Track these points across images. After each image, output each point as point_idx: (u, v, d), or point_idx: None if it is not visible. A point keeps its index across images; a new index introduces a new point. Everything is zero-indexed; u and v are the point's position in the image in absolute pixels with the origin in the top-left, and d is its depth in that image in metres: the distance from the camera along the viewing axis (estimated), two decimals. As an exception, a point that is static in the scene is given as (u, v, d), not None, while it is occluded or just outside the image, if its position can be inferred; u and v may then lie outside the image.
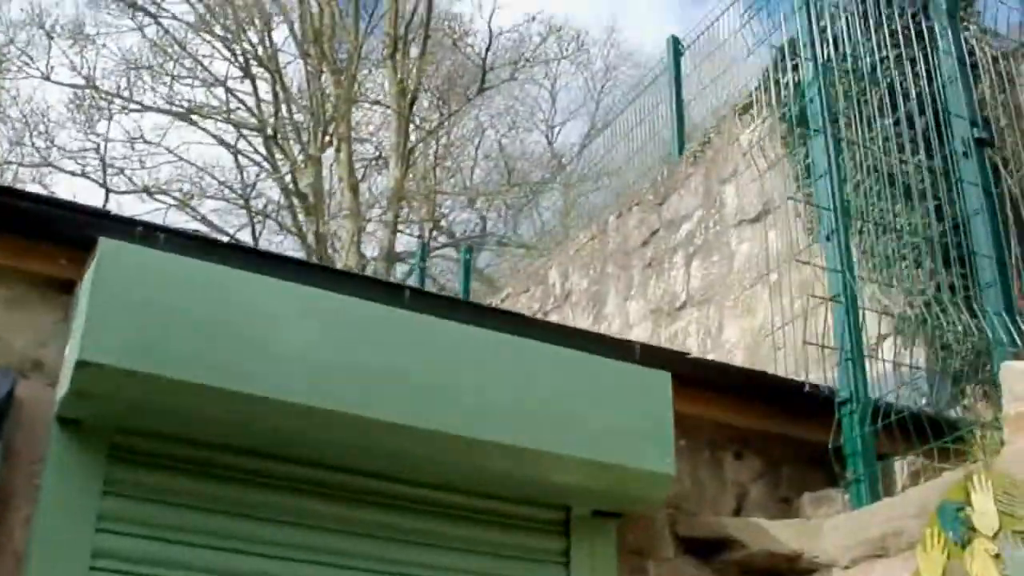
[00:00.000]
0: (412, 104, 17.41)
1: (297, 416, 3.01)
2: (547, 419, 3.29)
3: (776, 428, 4.10)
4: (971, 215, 4.63)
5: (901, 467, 3.96)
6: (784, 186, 5.88)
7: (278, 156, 17.86)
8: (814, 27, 4.82)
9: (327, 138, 17.13)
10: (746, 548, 3.70)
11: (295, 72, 18.31)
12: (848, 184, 4.56)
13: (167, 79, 17.79)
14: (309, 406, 3.00)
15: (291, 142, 17.81)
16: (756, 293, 5.89)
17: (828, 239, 4.30)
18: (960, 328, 4.83)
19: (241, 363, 2.95)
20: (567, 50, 19.90)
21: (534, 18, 19.73)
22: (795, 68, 5.97)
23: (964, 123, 4.80)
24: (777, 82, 6.16)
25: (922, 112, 5.04)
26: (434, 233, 18.23)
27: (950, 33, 5.11)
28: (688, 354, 4.09)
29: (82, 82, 17.84)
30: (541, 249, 13.70)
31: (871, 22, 5.26)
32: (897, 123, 5.07)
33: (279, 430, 3.07)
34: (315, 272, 3.70)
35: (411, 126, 17.52)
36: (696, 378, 3.82)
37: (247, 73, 18.14)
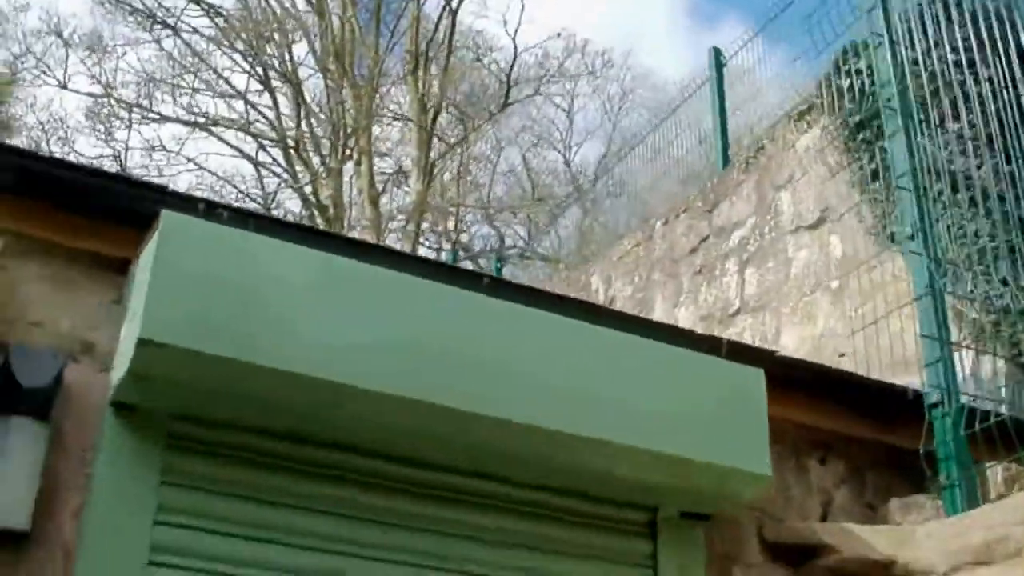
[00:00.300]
0: (435, 118, 17.37)
1: (370, 403, 2.81)
2: (638, 414, 3.14)
3: (860, 432, 3.95)
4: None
5: (994, 473, 3.81)
6: (847, 191, 5.76)
7: (298, 168, 17.79)
8: (894, 26, 4.69)
9: (348, 151, 17.06)
10: (838, 553, 3.55)
11: (315, 86, 18.29)
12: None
13: (187, 91, 17.76)
14: (384, 393, 2.81)
15: (311, 154, 17.76)
16: (816, 300, 5.76)
17: (912, 238, 4.17)
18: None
19: (312, 347, 2.74)
20: (592, 65, 19.85)
21: (559, 34, 19.61)
22: (857, 72, 5.87)
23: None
24: (839, 87, 6.05)
25: (998, 115, 4.91)
26: (456, 246, 18.12)
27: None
28: (776, 352, 3.93)
29: (100, 91, 17.83)
30: (567, 261, 13.60)
31: (943, 24, 5.16)
32: (972, 125, 4.94)
33: (354, 418, 2.88)
34: (390, 255, 3.53)
35: (433, 140, 17.46)
36: (783, 377, 3.67)
37: (267, 86, 18.11)
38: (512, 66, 18.47)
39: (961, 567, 3.38)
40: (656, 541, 3.30)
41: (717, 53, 8.46)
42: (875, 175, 5.53)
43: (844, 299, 5.47)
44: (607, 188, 12.72)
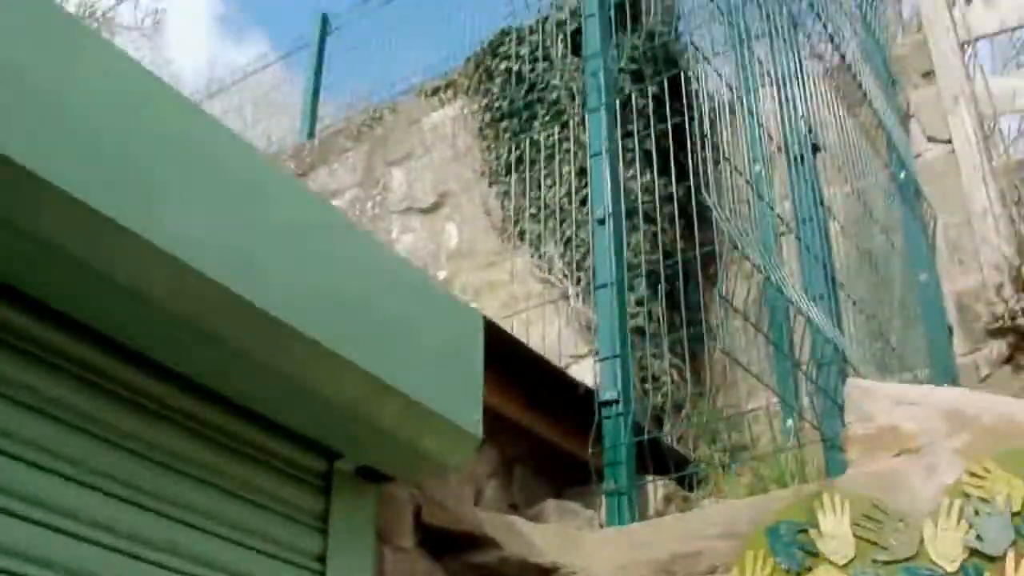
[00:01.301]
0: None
1: None
2: (342, 313, 2.25)
3: (523, 420, 3.40)
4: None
5: (655, 488, 3.44)
6: (474, 179, 5.30)
7: None
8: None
9: None
10: (500, 550, 2.91)
11: None
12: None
13: None
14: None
15: None
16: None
17: (602, 223, 3.75)
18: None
19: None
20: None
21: None
22: (518, 57, 5.50)
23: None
24: (489, 69, 5.64)
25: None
26: None
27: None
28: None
29: None
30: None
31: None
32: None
33: None
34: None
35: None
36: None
37: None
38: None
39: (639, 583, 2.92)
40: (330, 497, 2.43)
41: (324, 19, 7.84)
42: (511, 167, 5.15)
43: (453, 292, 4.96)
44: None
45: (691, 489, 3.58)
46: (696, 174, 3.29)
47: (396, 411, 2.31)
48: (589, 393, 3.45)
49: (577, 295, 4.60)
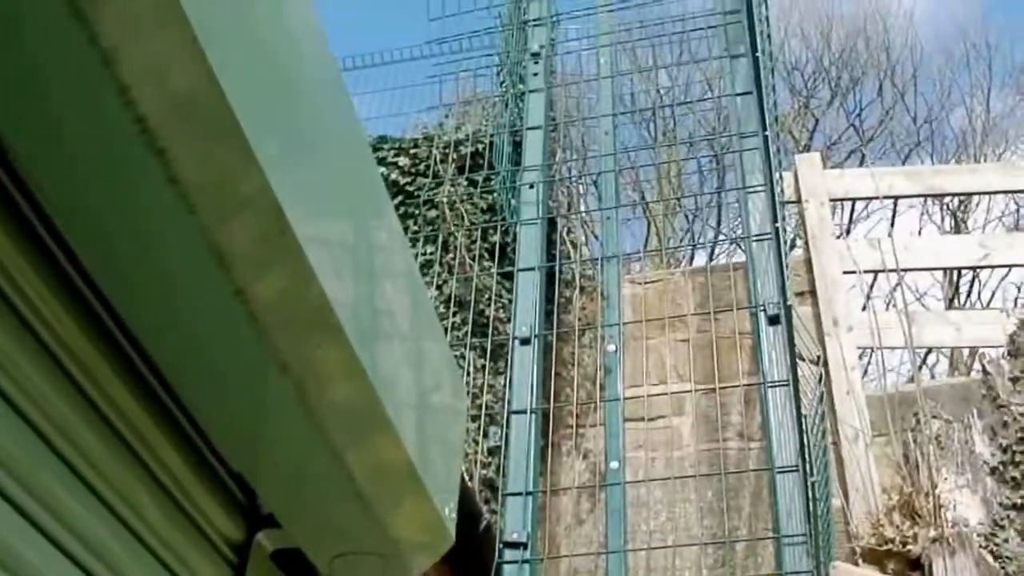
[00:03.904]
0: None
1: None
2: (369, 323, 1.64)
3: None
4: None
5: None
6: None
7: None
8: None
9: None
10: None
11: None
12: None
13: None
14: None
15: None
16: None
17: (526, 343, 3.26)
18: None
19: None
20: None
21: None
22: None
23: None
24: None
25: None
26: None
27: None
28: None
29: None
30: None
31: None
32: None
33: None
34: None
35: None
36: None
37: None
38: None
39: None
40: (243, 577, 1.70)
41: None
42: None
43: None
44: None
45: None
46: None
47: (381, 465, 1.66)
48: (488, 530, 2.85)
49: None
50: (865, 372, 5.56)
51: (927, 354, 11.15)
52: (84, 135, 1.08)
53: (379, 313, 1.65)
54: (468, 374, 3.80)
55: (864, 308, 5.38)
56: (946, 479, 3.89)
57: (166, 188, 1.07)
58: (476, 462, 3.62)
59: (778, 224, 3.70)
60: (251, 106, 1.13)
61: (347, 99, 1.59)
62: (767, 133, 3.92)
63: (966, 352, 9.79)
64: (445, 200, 4.88)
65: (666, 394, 4.73)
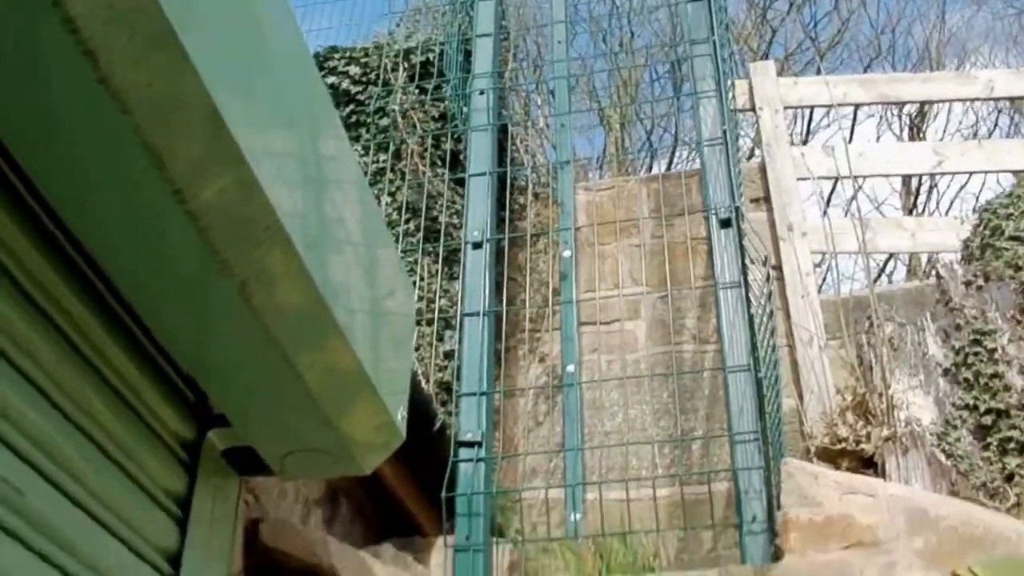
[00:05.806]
0: None
1: None
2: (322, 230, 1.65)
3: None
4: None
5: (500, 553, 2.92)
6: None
7: None
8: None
9: None
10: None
11: None
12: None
13: None
14: None
15: None
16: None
17: (478, 247, 3.29)
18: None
19: None
20: None
21: None
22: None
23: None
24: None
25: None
26: None
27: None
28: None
29: None
30: None
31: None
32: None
33: None
34: None
35: None
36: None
37: None
38: None
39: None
40: (195, 477, 1.74)
41: None
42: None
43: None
44: None
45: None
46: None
47: (331, 367, 1.69)
48: (443, 430, 2.91)
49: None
50: (824, 279, 5.63)
51: (886, 262, 11.31)
52: (14, 39, 1.08)
53: (327, 220, 1.66)
54: (422, 279, 3.83)
55: (824, 215, 5.43)
56: (899, 380, 3.98)
57: (96, 88, 1.08)
58: (432, 366, 3.69)
59: (726, 127, 3.72)
60: (187, 13, 1.13)
61: (289, 11, 1.58)
62: (714, 38, 3.92)
63: (924, 260, 9.93)
64: (397, 108, 4.86)
65: (621, 295, 4.79)
